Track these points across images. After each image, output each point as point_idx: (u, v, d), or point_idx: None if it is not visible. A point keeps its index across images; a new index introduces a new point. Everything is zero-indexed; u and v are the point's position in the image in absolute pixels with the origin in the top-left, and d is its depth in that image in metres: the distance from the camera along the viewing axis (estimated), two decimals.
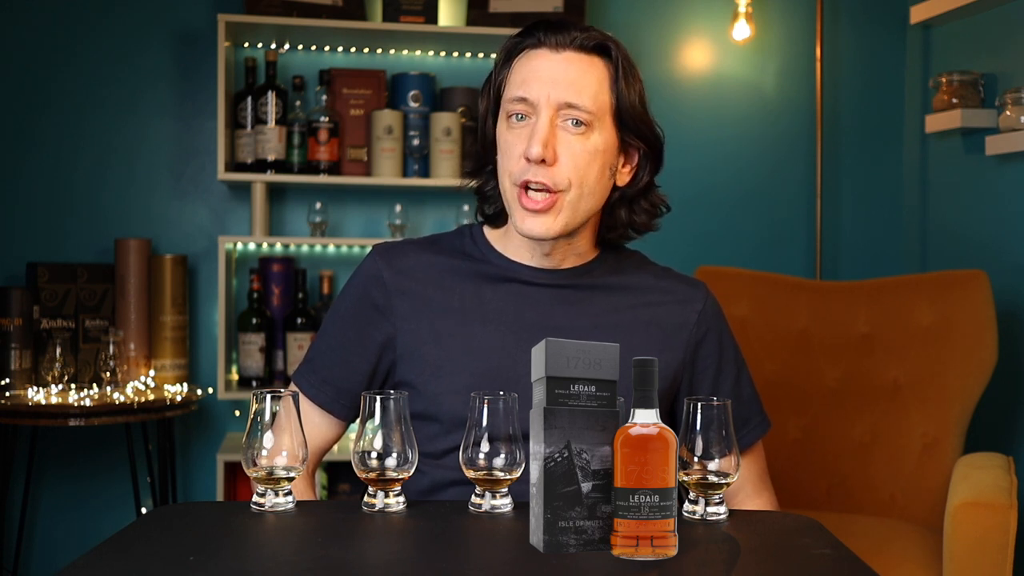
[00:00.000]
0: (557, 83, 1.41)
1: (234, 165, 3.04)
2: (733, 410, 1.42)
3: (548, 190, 1.41)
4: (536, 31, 1.45)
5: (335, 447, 2.95)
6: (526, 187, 1.42)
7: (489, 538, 1.17)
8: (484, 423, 1.22)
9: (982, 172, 2.93)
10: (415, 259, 1.53)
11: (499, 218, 1.55)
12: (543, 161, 1.39)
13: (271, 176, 2.99)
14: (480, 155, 1.54)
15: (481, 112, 1.52)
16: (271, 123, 3.00)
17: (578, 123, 1.41)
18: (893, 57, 3.38)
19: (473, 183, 1.57)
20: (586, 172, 1.42)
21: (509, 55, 1.48)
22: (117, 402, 2.67)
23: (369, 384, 1.52)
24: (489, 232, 1.57)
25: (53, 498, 3.09)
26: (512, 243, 1.52)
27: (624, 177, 1.50)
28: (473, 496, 1.26)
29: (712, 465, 1.24)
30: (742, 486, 1.56)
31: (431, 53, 3.24)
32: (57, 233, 3.09)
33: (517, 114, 1.43)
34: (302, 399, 1.52)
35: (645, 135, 1.48)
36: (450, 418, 1.45)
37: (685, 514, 1.25)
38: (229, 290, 3.04)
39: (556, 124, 1.41)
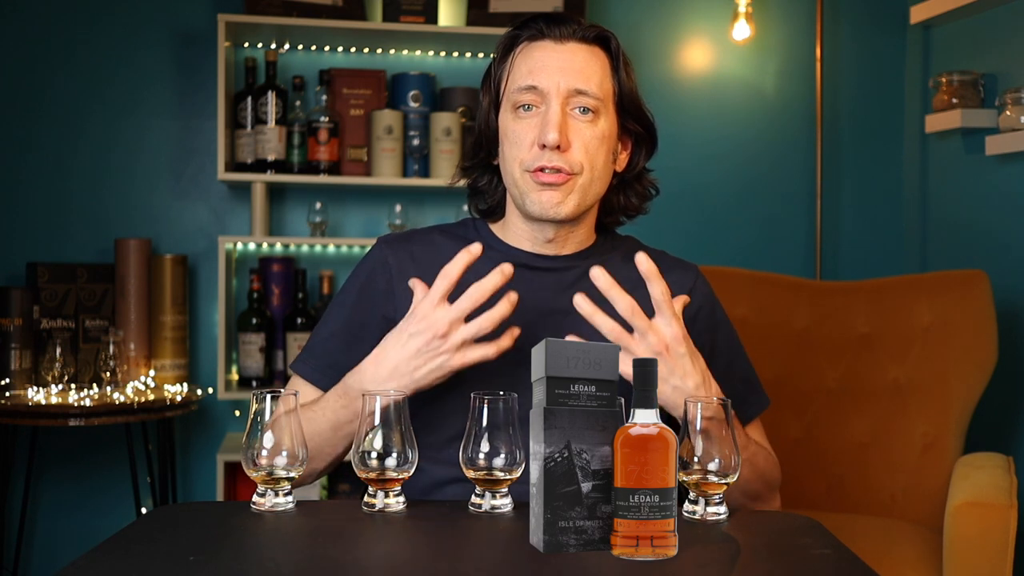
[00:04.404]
0: (566, 71, 1.46)
1: (234, 165, 3.04)
2: (731, 388, 1.43)
3: (562, 171, 1.45)
4: (535, 23, 1.50)
5: None
6: (539, 171, 1.45)
7: (489, 538, 1.17)
8: (484, 423, 1.22)
9: (982, 172, 2.93)
10: (420, 247, 1.57)
11: (495, 212, 1.59)
12: (557, 147, 1.43)
13: (271, 176, 2.99)
14: (480, 149, 1.56)
15: (483, 107, 1.55)
16: (271, 123, 3.00)
17: (586, 110, 1.46)
18: (893, 57, 3.38)
19: (464, 180, 1.61)
20: (595, 157, 1.47)
21: (508, 49, 1.52)
22: (117, 402, 2.66)
23: None
24: (490, 223, 1.60)
25: (53, 498, 3.09)
26: (512, 231, 1.55)
27: (621, 163, 1.56)
28: (473, 496, 1.26)
29: (712, 465, 1.24)
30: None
31: (431, 53, 3.24)
32: (57, 233, 3.09)
33: (525, 104, 1.47)
34: (303, 386, 1.53)
35: (642, 120, 1.54)
36: (451, 407, 1.45)
37: (685, 514, 1.25)
38: (229, 290, 3.04)
39: (567, 112, 1.45)
